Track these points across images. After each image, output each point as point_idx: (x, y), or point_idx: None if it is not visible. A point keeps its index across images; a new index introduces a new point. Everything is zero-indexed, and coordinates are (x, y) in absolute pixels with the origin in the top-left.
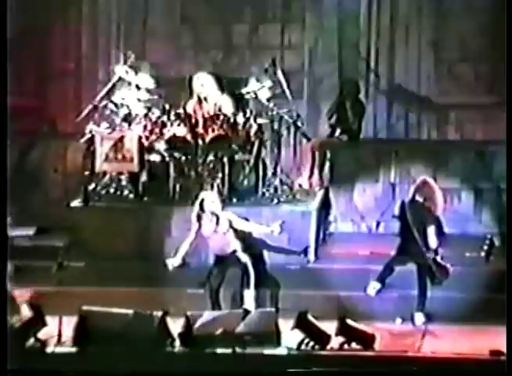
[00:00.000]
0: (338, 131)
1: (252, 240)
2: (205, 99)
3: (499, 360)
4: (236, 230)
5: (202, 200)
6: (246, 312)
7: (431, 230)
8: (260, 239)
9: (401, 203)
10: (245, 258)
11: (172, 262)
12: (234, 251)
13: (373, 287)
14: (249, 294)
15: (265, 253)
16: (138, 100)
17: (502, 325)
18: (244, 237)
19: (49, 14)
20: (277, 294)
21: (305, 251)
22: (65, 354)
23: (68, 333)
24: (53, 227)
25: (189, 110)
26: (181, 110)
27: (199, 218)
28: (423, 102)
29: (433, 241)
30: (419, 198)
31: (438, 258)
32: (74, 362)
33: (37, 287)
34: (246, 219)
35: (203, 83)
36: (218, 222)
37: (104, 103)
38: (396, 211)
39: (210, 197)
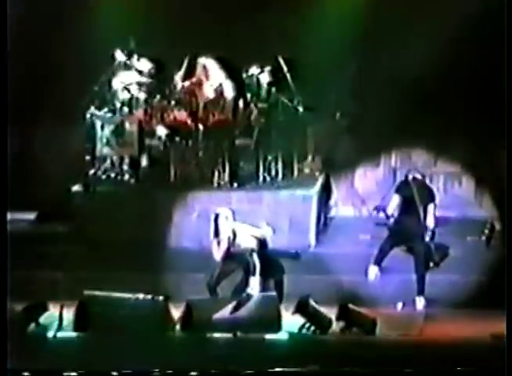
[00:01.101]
0: (337, 115)
1: None
2: (205, 82)
3: (500, 343)
4: None
5: (217, 216)
6: (249, 296)
7: (431, 208)
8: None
9: (401, 182)
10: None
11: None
12: (245, 249)
13: (373, 270)
14: (254, 280)
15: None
16: (139, 85)
17: (503, 309)
18: None
19: (51, 2)
20: (282, 280)
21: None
22: (66, 338)
23: (69, 318)
24: (54, 212)
25: (190, 94)
26: (181, 95)
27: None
28: (421, 85)
29: (431, 220)
30: (418, 175)
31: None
32: (76, 346)
33: (35, 272)
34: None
35: (205, 67)
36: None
37: (105, 87)
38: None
39: (228, 214)
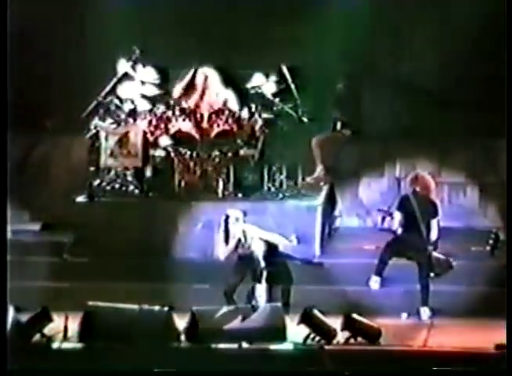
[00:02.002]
0: (339, 125)
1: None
2: (209, 94)
3: (504, 355)
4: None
5: (232, 219)
6: (254, 307)
7: (434, 222)
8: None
9: (404, 196)
10: (259, 255)
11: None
12: (250, 252)
13: (375, 280)
14: (259, 290)
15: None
16: (143, 95)
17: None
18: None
19: (54, 10)
20: (289, 290)
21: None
22: (71, 349)
23: (74, 328)
24: (58, 223)
25: (194, 104)
26: (185, 105)
27: (226, 235)
28: (429, 97)
29: (435, 233)
30: (419, 189)
31: (436, 253)
32: (80, 357)
33: (39, 283)
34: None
35: (208, 77)
36: (244, 236)
37: (109, 98)
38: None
39: (239, 216)
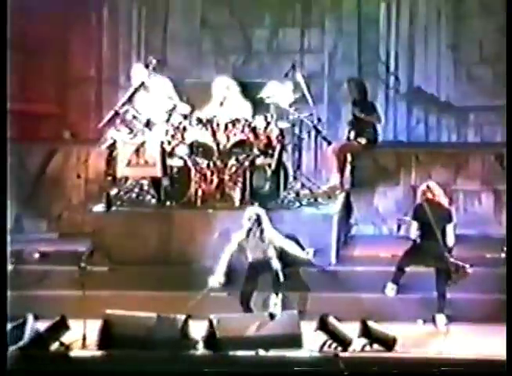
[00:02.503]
0: (353, 134)
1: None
2: (226, 103)
3: None
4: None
5: (253, 216)
6: (272, 315)
7: (450, 228)
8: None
9: (418, 205)
10: (277, 264)
11: (218, 280)
12: (269, 258)
13: (391, 288)
14: (276, 299)
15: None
16: (160, 106)
17: None
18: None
19: (70, 20)
20: (305, 297)
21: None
22: (89, 358)
23: (92, 337)
24: (76, 232)
25: (210, 114)
26: (202, 115)
27: (248, 232)
28: (443, 104)
29: (451, 239)
30: (431, 197)
31: (453, 259)
32: (99, 365)
33: (57, 292)
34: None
35: (224, 87)
36: (261, 238)
37: (125, 108)
38: (410, 214)
39: (261, 213)
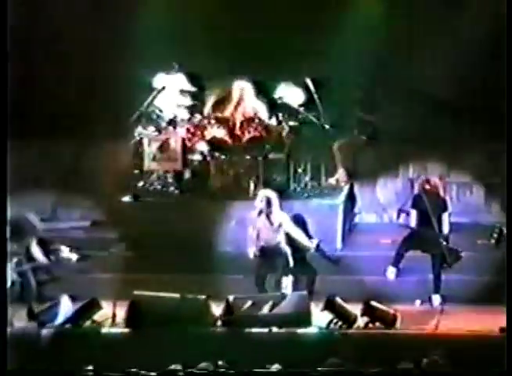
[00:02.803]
0: (356, 132)
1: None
2: (242, 103)
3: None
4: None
5: (264, 198)
6: (283, 295)
7: (445, 216)
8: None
9: (417, 195)
10: (286, 248)
11: (253, 252)
12: (278, 243)
13: (391, 271)
14: (287, 280)
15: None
16: (182, 106)
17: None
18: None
19: (103, 28)
20: (313, 280)
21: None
22: (118, 334)
23: (121, 315)
24: (106, 220)
25: (228, 113)
26: (220, 115)
27: (260, 212)
28: (439, 104)
29: (446, 227)
30: (429, 187)
31: (447, 244)
32: (127, 341)
33: (89, 274)
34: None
35: (241, 89)
36: (270, 220)
37: (151, 108)
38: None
39: (272, 196)
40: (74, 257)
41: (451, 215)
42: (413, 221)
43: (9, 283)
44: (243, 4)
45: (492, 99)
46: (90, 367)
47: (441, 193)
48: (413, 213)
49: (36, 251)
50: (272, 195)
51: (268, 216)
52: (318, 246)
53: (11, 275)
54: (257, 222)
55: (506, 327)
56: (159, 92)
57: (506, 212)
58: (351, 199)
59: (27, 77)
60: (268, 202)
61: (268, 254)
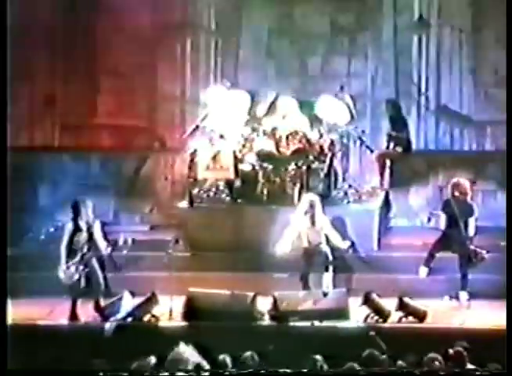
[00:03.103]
0: (392, 145)
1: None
2: (287, 118)
3: None
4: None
5: (308, 201)
6: (325, 293)
7: (472, 220)
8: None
9: (446, 200)
10: (326, 249)
11: (285, 249)
12: (319, 243)
13: (423, 270)
14: (327, 278)
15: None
16: (233, 120)
17: None
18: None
19: (158, 49)
20: (350, 278)
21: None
22: (175, 327)
23: (177, 310)
24: (164, 224)
25: (274, 127)
26: (267, 128)
27: (304, 213)
28: (465, 119)
29: (472, 230)
30: (458, 194)
31: (473, 247)
32: (183, 333)
33: (149, 273)
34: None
35: (286, 105)
36: (313, 221)
37: (205, 122)
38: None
39: (315, 200)
40: (99, 238)
41: (477, 220)
42: (442, 223)
43: (74, 278)
44: (290, 31)
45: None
46: (153, 358)
47: (469, 199)
48: (443, 217)
49: (99, 239)
50: (316, 198)
51: (311, 218)
52: (350, 247)
53: (76, 270)
54: (301, 223)
55: (506, 326)
56: (212, 107)
57: (506, 212)
58: (386, 205)
59: (94, 94)
60: (312, 205)
61: (310, 253)
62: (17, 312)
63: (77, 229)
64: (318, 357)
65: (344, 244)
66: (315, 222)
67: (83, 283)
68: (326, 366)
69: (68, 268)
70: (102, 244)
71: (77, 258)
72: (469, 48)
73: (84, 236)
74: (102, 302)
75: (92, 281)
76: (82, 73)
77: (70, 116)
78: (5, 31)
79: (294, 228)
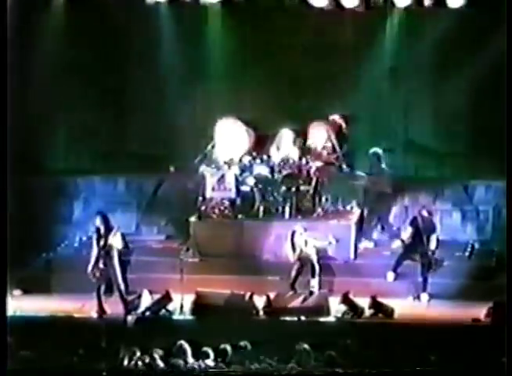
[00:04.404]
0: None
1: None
2: (281, 148)
3: (478, 325)
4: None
5: (293, 232)
6: (311, 293)
7: (433, 236)
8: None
9: (414, 217)
10: (314, 258)
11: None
12: (308, 254)
13: (391, 275)
14: (314, 281)
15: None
16: (235, 149)
17: (481, 301)
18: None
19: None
20: (331, 281)
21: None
22: (185, 320)
23: (187, 306)
24: (177, 235)
25: (269, 156)
26: (264, 156)
27: (293, 244)
28: (428, 150)
29: (433, 244)
30: (425, 214)
31: (434, 256)
32: (192, 325)
33: (164, 275)
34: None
35: (280, 136)
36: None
37: (212, 151)
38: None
39: (299, 230)
40: (120, 245)
41: (437, 236)
42: (406, 236)
43: (100, 277)
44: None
45: (470, 146)
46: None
47: (433, 218)
48: (409, 229)
49: (118, 242)
50: (302, 230)
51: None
52: (336, 242)
53: (101, 271)
54: (297, 241)
55: (507, 326)
56: (219, 138)
57: (506, 212)
58: (360, 221)
59: (121, 127)
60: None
61: (301, 262)
62: (54, 306)
63: (100, 236)
64: (304, 346)
65: (328, 242)
66: (307, 244)
67: (105, 280)
68: (309, 353)
69: (94, 269)
70: (119, 245)
71: (102, 260)
72: (432, 92)
73: (105, 241)
74: (124, 298)
75: (112, 279)
76: (113, 108)
77: (101, 144)
78: (5, 34)
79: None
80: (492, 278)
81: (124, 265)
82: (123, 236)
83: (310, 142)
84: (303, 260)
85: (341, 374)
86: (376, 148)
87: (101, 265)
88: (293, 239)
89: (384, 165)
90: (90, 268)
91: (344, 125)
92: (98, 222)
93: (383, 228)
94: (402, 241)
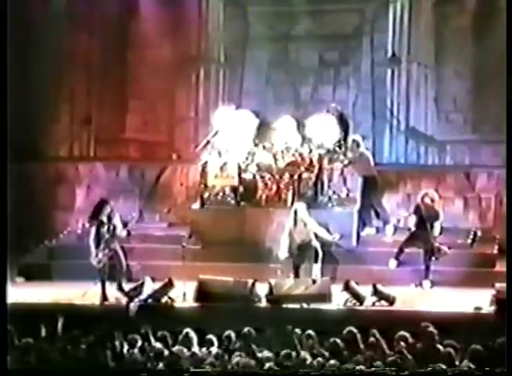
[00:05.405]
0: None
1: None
2: (284, 135)
3: (481, 314)
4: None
5: (296, 209)
6: (314, 280)
7: (438, 223)
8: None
9: (417, 205)
10: (316, 244)
11: (284, 255)
12: (310, 240)
13: (393, 263)
14: (316, 268)
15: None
16: (238, 137)
17: (483, 288)
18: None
19: (176, 77)
20: (334, 268)
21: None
22: (188, 307)
23: (190, 293)
24: (179, 222)
25: (272, 143)
26: (266, 144)
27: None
28: (429, 139)
29: (437, 231)
30: (428, 201)
31: (436, 243)
32: (194, 312)
33: (166, 262)
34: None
35: (283, 124)
36: (304, 224)
37: (214, 138)
38: (411, 211)
39: (302, 207)
40: (124, 233)
41: (440, 223)
42: (412, 224)
43: (102, 263)
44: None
45: (469, 134)
46: None
47: (436, 205)
48: (412, 218)
49: (119, 225)
50: (301, 206)
51: (301, 221)
52: (340, 239)
53: (103, 256)
54: (295, 228)
55: (507, 326)
56: (221, 126)
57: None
58: (363, 208)
59: (123, 114)
60: (296, 212)
61: (302, 249)
62: (57, 293)
63: (101, 222)
64: (305, 333)
65: (332, 238)
66: (306, 225)
67: (108, 265)
68: (311, 340)
69: (97, 255)
70: (120, 228)
71: (102, 245)
72: (432, 80)
73: (106, 227)
74: (125, 285)
75: (116, 264)
76: (114, 96)
77: (103, 132)
78: (5, 34)
79: (287, 234)
80: (493, 265)
81: (124, 249)
82: (120, 217)
83: (312, 129)
84: (303, 245)
85: (343, 362)
86: (356, 135)
87: (102, 249)
88: (296, 215)
89: (362, 149)
90: (92, 254)
91: (345, 113)
92: (102, 208)
93: (377, 214)
94: (409, 230)
